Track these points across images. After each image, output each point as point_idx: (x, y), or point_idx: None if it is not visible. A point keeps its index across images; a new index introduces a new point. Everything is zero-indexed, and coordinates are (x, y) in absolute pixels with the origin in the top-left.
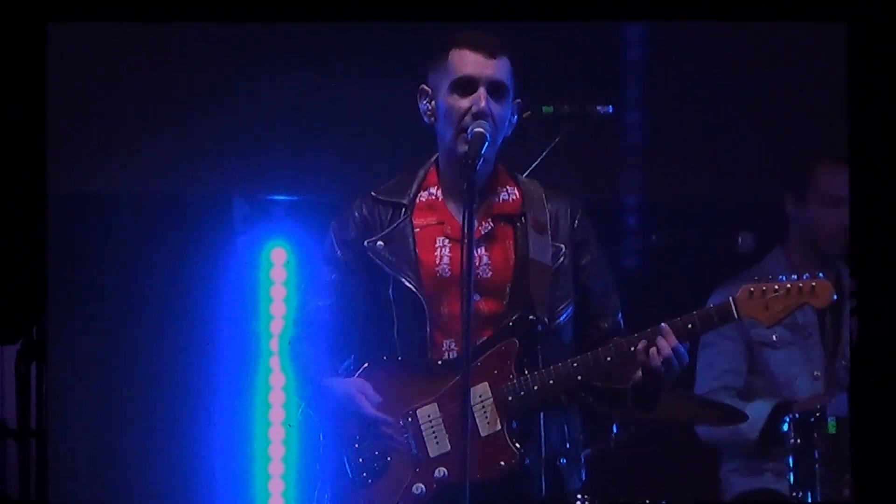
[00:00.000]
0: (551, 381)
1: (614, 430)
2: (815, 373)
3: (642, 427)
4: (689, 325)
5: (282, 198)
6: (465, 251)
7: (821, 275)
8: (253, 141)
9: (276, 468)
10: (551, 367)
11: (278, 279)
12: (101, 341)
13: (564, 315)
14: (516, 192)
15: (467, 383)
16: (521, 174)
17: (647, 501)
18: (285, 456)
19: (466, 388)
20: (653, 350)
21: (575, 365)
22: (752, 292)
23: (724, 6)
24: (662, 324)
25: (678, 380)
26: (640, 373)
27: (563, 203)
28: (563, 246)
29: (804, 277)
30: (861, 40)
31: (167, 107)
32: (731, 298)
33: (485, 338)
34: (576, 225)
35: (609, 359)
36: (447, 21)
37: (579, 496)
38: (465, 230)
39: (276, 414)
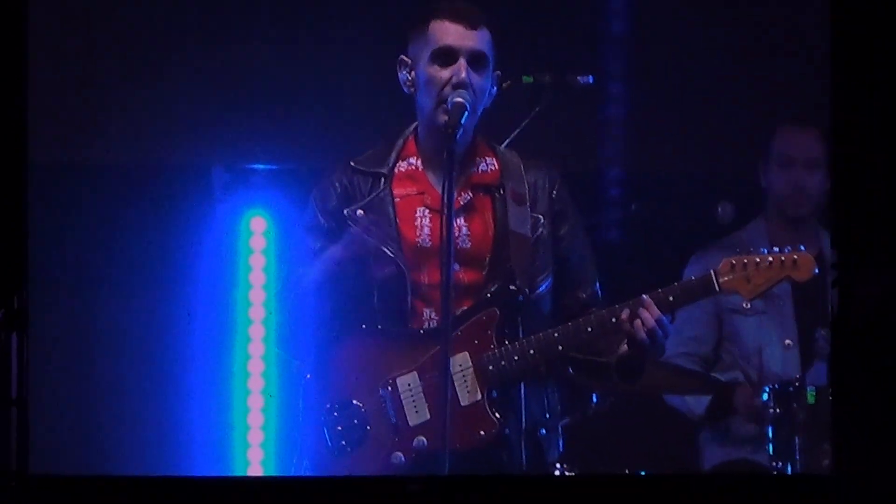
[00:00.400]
0: (532, 351)
1: (594, 399)
2: (787, 342)
3: (622, 397)
4: (671, 298)
5: (261, 166)
6: (444, 221)
7: (802, 248)
8: (233, 109)
9: (256, 437)
10: (532, 336)
11: (258, 247)
12: (81, 310)
13: (544, 286)
14: (495, 162)
15: (447, 352)
16: (501, 144)
17: (626, 471)
18: (264, 424)
19: (446, 357)
20: (637, 322)
21: (556, 335)
22: (733, 265)
23: None
24: (644, 295)
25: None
26: (625, 346)
27: (542, 174)
28: (541, 217)
29: (786, 250)
30: (842, 13)
31: (147, 74)
32: (712, 271)
33: (465, 307)
34: (554, 195)
35: (590, 329)
36: None
37: (558, 465)
38: (445, 200)
39: (255, 382)
